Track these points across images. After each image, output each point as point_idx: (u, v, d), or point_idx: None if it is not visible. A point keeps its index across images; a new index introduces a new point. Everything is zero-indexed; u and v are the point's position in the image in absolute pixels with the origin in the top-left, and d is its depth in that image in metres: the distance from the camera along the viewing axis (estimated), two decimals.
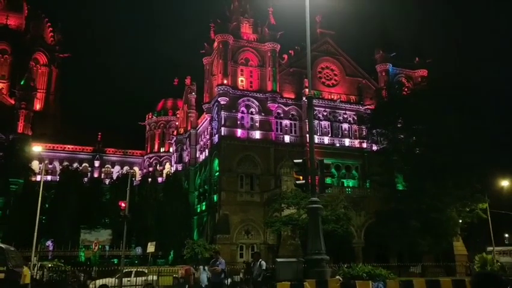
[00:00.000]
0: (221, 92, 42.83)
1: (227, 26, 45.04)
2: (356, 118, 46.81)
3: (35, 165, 58.06)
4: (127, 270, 26.26)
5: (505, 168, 36.94)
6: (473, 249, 34.44)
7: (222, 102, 42.89)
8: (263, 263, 15.83)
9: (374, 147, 41.42)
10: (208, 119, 48.44)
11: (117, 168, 67.81)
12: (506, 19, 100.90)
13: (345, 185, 43.45)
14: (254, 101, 44.15)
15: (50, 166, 63.06)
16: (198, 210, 49.77)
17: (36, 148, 44.26)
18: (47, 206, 43.24)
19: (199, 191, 50.74)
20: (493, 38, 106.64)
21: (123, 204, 26.81)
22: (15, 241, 28.32)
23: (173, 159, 62.02)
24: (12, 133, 57.32)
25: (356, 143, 46.49)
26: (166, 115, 69.60)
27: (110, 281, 24.28)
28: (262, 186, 41.81)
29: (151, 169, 66.06)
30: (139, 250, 39.86)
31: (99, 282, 24.57)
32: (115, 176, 61.35)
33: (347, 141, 46.20)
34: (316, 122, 44.10)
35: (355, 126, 46.81)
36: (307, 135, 37.61)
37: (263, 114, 44.07)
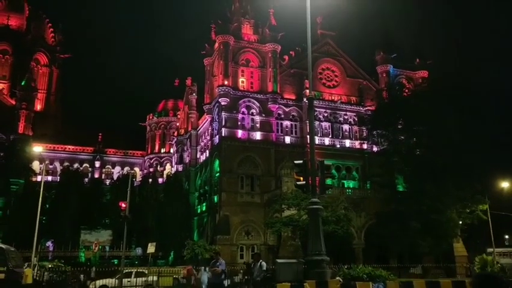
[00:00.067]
0: (222, 92, 42.87)
1: (228, 27, 45.10)
2: (356, 119, 46.82)
3: (36, 165, 58.09)
4: (127, 270, 26.27)
5: (505, 170, 36.94)
6: (473, 250, 34.43)
7: (222, 103, 42.92)
8: (263, 263, 15.81)
9: (375, 149, 41.42)
10: (209, 119, 48.47)
11: (117, 168, 67.84)
12: (506, 19, 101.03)
13: (345, 186, 43.48)
14: (255, 101, 44.18)
15: (50, 166, 63.09)
16: (198, 211, 49.77)
17: (37, 148, 44.27)
18: (47, 206, 43.26)
19: (199, 192, 50.76)
20: (493, 38, 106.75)
21: (123, 205, 26.81)
22: (16, 241, 28.37)
23: (173, 160, 62.05)
24: (13, 133, 57.38)
25: (357, 144, 46.50)
26: (167, 116, 69.67)
27: (110, 281, 24.28)
28: (263, 187, 41.81)
29: (151, 170, 66.06)
30: (139, 251, 39.88)
31: (99, 282, 24.58)
32: (115, 177, 61.36)
33: (347, 142, 46.20)
34: (317, 123, 44.11)
35: (355, 128, 46.82)
36: (308, 136, 37.69)
37: (264, 115, 44.10)
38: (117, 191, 44.63)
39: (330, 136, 45.71)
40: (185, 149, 57.86)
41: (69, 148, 66.54)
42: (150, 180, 55.81)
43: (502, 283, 4.10)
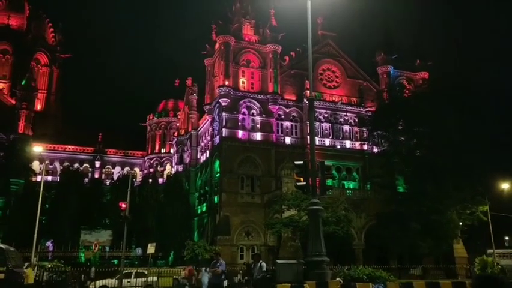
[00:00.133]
0: (222, 93, 42.88)
1: (228, 27, 45.12)
2: (357, 120, 46.82)
3: (36, 165, 58.10)
4: (127, 271, 26.25)
5: (505, 171, 36.90)
6: (474, 251, 34.42)
7: (223, 104, 42.93)
8: (263, 264, 15.81)
9: (375, 149, 41.42)
10: (209, 120, 48.47)
11: (118, 169, 67.84)
12: (506, 19, 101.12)
13: (345, 186, 43.47)
14: (255, 102, 44.19)
15: (50, 166, 63.10)
16: (199, 212, 49.75)
17: (37, 148, 44.28)
18: (47, 206, 43.24)
19: (199, 192, 50.76)
20: (493, 38, 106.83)
21: (123, 205, 26.81)
22: (16, 241, 28.32)
23: (174, 160, 62.05)
24: (13, 133, 57.38)
25: (357, 145, 46.50)
26: (167, 116, 69.70)
27: (110, 281, 24.28)
28: (263, 187, 41.80)
29: (151, 170, 66.07)
30: (139, 251, 39.87)
31: (99, 283, 24.58)
32: (115, 177, 61.35)
33: (347, 143, 46.20)
34: (317, 123, 44.11)
35: (356, 128, 46.81)
36: (308, 137, 37.68)
37: (264, 115, 44.11)
38: (117, 191, 44.61)
39: (331, 137, 45.70)
40: (185, 149, 57.87)
41: (69, 148, 66.55)
42: (150, 180, 55.80)
43: (502, 284, 4.09)
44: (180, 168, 57.98)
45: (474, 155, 32.38)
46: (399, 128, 36.52)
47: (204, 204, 48.19)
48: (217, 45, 46.22)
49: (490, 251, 33.27)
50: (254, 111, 44.16)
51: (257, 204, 41.04)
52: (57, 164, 64.38)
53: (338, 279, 14.27)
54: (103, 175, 66.06)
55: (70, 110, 74.83)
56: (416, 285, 15.29)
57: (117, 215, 34.69)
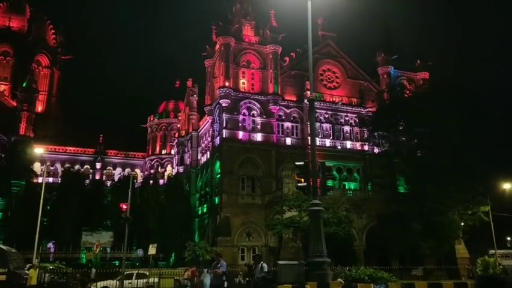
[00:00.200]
0: (223, 94, 42.90)
1: (229, 28, 45.16)
2: (357, 120, 46.80)
3: (37, 167, 58.17)
4: (128, 272, 26.25)
5: (506, 171, 36.86)
6: (475, 252, 34.30)
7: (223, 105, 42.95)
8: (264, 265, 15.80)
9: (376, 150, 41.36)
10: (210, 121, 48.49)
11: (118, 170, 67.90)
12: (506, 19, 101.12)
13: (346, 187, 43.43)
14: (256, 103, 44.20)
15: (51, 168, 63.14)
16: (199, 213, 49.75)
17: (38, 150, 44.46)
18: (48, 207, 43.30)
19: (200, 193, 50.75)
20: (493, 38, 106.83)
21: (124, 206, 26.85)
22: (17, 243, 28.41)
23: (174, 162, 62.08)
24: (14, 135, 57.47)
25: (358, 145, 46.48)
26: (168, 117, 69.76)
27: (111, 283, 24.28)
28: (264, 188, 41.78)
29: (152, 171, 66.14)
30: (140, 252, 39.87)
31: (100, 284, 24.59)
32: (116, 178, 61.38)
33: (348, 144, 46.18)
34: (318, 124, 44.12)
35: (357, 129, 46.79)
36: (309, 137, 37.63)
37: (265, 116, 44.11)
38: (118, 193, 44.64)
39: (331, 137, 45.68)
40: (186, 150, 57.90)
41: (70, 149, 66.61)
42: (151, 181, 55.88)
43: (504, 284, 4.07)
44: (181, 170, 58.00)
45: (474, 155, 32.35)
46: (400, 128, 36.46)
47: (205, 205, 48.18)
48: (217, 46, 46.25)
49: (491, 251, 33.22)
50: (254, 112, 44.17)
51: (258, 205, 41.01)
52: (58, 165, 64.44)
53: (339, 280, 14.23)
54: (104, 176, 66.11)
55: (70, 112, 75.02)
56: (418, 286, 15.25)
57: (118, 216, 34.75)
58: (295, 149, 43.31)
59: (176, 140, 61.26)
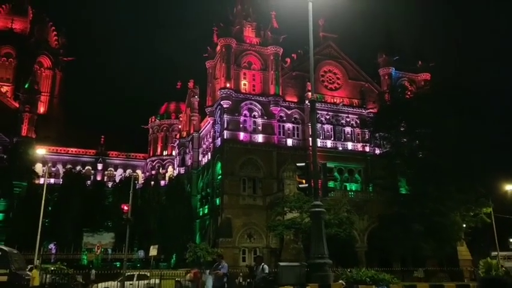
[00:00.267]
0: (224, 95, 42.92)
1: (230, 29, 45.20)
2: (358, 122, 46.76)
3: (39, 168, 58.28)
4: (129, 273, 26.23)
5: (508, 173, 36.75)
6: (478, 254, 34.17)
7: (224, 106, 42.97)
8: (265, 266, 15.76)
9: (377, 151, 41.32)
10: (211, 122, 48.52)
11: (120, 171, 67.97)
12: (506, 19, 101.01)
13: (348, 188, 43.36)
14: (257, 104, 44.21)
15: (53, 169, 63.22)
16: (201, 214, 49.73)
17: (40, 151, 44.49)
18: (50, 208, 43.37)
19: (201, 195, 50.74)
20: (493, 38, 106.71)
21: (126, 208, 26.86)
22: (18, 244, 28.44)
23: (176, 163, 62.11)
24: (16, 136, 57.64)
25: (359, 146, 46.42)
26: (169, 118, 69.81)
27: (112, 284, 24.25)
28: (265, 189, 41.75)
29: (153, 172, 66.16)
30: (141, 253, 39.86)
31: (101, 285, 24.57)
32: (117, 179, 61.42)
33: (349, 145, 46.13)
34: (319, 125, 44.06)
35: (358, 130, 46.75)
36: (310, 138, 37.54)
37: (266, 117, 44.11)
38: (119, 194, 44.70)
39: (332, 139, 45.64)
40: (187, 151, 57.93)
41: (72, 150, 66.72)
42: (152, 182, 55.90)
43: (507, 287, 4.06)
44: (182, 171, 58.02)
45: (474, 155, 32.27)
46: (401, 129, 36.43)
47: (206, 207, 48.17)
48: (218, 47, 46.30)
49: (494, 253, 33.08)
50: (256, 113, 44.17)
51: (259, 206, 40.97)
52: (59, 166, 64.54)
53: (340, 281, 14.20)
54: (105, 177, 66.21)
55: (72, 113, 75.28)
56: (420, 287, 15.19)
57: (119, 217, 34.82)
58: (296, 150, 43.27)
59: (177, 141, 61.30)
